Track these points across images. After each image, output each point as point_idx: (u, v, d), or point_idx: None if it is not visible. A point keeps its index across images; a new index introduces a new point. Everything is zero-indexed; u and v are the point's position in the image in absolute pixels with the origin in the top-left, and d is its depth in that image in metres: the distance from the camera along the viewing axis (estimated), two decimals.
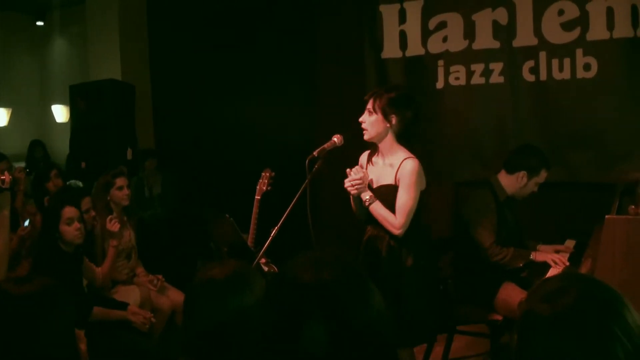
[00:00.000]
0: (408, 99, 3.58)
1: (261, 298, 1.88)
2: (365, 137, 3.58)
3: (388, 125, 3.51)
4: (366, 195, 3.54)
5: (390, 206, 3.50)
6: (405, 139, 3.57)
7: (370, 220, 3.61)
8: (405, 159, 3.49)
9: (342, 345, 1.40)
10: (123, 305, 4.27)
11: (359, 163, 3.74)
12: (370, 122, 3.54)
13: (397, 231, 3.47)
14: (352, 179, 3.55)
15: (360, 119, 3.56)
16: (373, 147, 3.68)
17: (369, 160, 3.70)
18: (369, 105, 3.54)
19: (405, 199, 3.46)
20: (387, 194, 3.52)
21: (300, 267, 1.49)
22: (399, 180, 3.49)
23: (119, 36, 7.33)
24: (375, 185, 3.61)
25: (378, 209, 3.51)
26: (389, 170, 3.56)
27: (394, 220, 3.48)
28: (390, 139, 3.55)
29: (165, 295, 4.87)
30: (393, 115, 3.49)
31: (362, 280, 1.49)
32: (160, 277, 4.94)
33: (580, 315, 1.31)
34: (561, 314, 1.32)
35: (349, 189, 3.56)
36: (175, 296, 4.85)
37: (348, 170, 3.56)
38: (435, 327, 3.68)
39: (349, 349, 1.40)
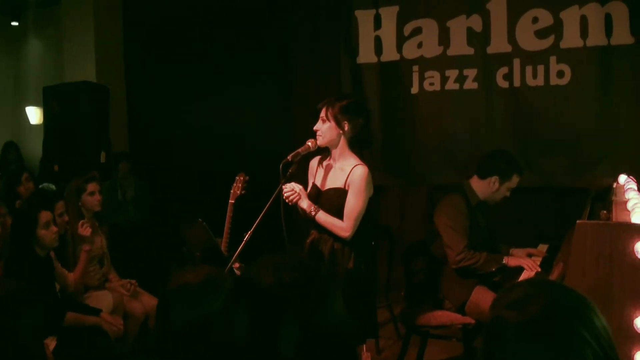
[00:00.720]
0: (359, 107, 3.73)
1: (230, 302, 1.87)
2: (319, 142, 3.66)
3: (341, 132, 3.62)
4: (304, 204, 3.63)
5: (338, 208, 3.58)
6: (356, 145, 3.69)
7: (314, 224, 3.68)
8: (356, 165, 3.60)
9: (307, 347, 1.40)
10: (96, 311, 4.22)
11: (310, 167, 3.86)
12: (324, 129, 3.63)
13: (345, 234, 3.56)
14: (285, 192, 3.63)
15: (315, 127, 3.66)
16: (324, 153, 3.78)
17: (320, 164, 3.81)
18: (322, 114, 3.64)
19: (354, 203, 3.55)
20: (335, 197, 3.61)
21: (261, 270, 1.49)
22: (348, 185, 3.58)
23: (94, 38, 7.27)
24: (324, 188, 3.70)
25: (323, 217, 3.61)
26: (339, 174, 3.65)
27: (342, 224, 3.57)
28: (342, 145, 3.66)
29: (138, 300, 4.82)
30: (345, 122, 3.60)
31: (323, 282, 1.50)
32: (133, 282, 4.88)
33: (548, 322, 1.31)
34: (529, 321, 1.31)
35: (287, 200, 3.65)
36: (148, 301, 4.79)
37: (282, 186, 3.63)
38: (365, 332, 3.70)
39: (314, 350, 1.40)
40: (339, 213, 3.58)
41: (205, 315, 1.92)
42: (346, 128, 3.61)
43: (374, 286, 3.72)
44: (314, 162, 3.87)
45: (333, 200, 3.61)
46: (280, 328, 1.41)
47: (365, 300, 3.61)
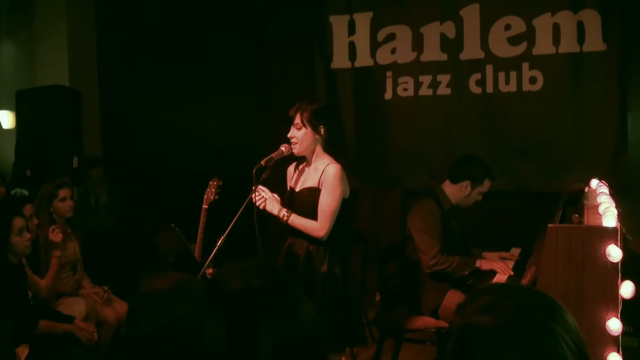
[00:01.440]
0: (331, 109, 3.82)
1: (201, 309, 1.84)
2: (295, 151, 3.67)
3: (318, 136, 3.65)
4: (275, 209, 3.64)
5: (312, 207, 3.59)
6: (330, 147, 3.72)
7: (289, 229, 3.68)
8: (329, 164, 3.62)
9: (280, 354, 1.39)
10: (69, 319, 4.16)
11: (287, 173, 3.88)
12: (300, 136, 3.64)
13: (321, 233, 3.56)
14: (257, 198, 3.64)
15: (290, 135, 3.66)
16: (299, 159, 3.79)
17: (296, 169, 3.83)
18: (297, 120, 3.64)
19: (327, 201, 3.55)
20: (309, 196, 3.62)
21: (229, 275, 1.48)
22: (322, 184, 3.59)
23: (67, 41, 7.18)
24: (298, 189, 3.71)
25: (296, 220, 3.61)
26: (313, 174, 3.67)
27: (315, 224, 3.58)
28: (318, 149, 3.68)
29: (111, 306, 4.76)
30: (321, 127, 3.63)
31: (292, 287, 1.49)
32: (106, 288, 4.82)
33: (523, 322, 1.31)
34: (505, 323, 1.30)
35: (259, 205, 3.66)
36: (121, 307, 4.73)
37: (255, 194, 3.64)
38: (348, 337, 3.68)
39: (286, 357, 1.38)
40: (312, 212, 3.57)
41: (175, 321, 1.89)
42: (322, 132, 3.64)
43: (354, 291, 3.69)
44: (291, 168, 3.88)
45: (306, 200, 3.63)
46: (258, 335, 1.40)
47: (342, 304, 3.59)
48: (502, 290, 1.41)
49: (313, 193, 3.60)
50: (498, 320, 1.30)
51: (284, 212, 3.62)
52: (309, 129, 3.62)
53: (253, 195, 3.62)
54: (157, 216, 5.09)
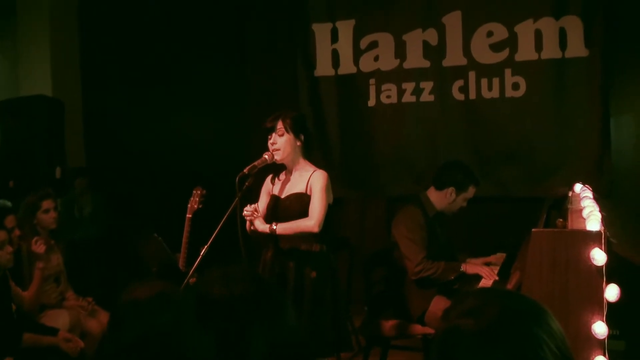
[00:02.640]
0: (305, 118, 3.90)
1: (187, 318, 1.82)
2: (278, 158, 3.71)
3: (299, 143, 3.69)
4: (264, 227, 3.65)
5: (299, 212, 3.62)
6: (309, 156, 3.78)
7: (270, 238, 3.69)
8: (315, 170, 3.69)
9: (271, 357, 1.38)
10: (53, 331, 4.11)
11: (265, 184, 3.88)
12: (283, 142, 3.66)
13: (315, 227, 3.58)
14: (245, 212, 3.66)
15: (271, 142, 3.67)
16: (279, 168, 3.82)
17: (275, 179, 3.86)
18: (279, 126, 3.66)
19: (318, 202, 3.61)
20: (296, 201, 3.65)
21: (211, 282, 1.47)
22: (310, 189, 3.64)
23: (50, 51, 7.12)
24: (284, 195, 3.73)
25: (284, 225, 3.63)
26: (299, 181, 3.70)
27: (308, 221, 3.61)
28: (299, 155, 3.73)
29: (96, 318, 4.71)
30: (301, 134, 3.70)
31: (274, 292, 1.47)
32: (90, 299, 4.77)
33: (506, 327, 1.29)
34: (487, 327, 1.29)
35: (247, 219, 3.69)
36: (106, 319, 4.67)
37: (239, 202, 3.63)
38: (336, 343, 3.68)
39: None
40: (300, 216, 3.60)
41: (157, 331, 1.86)
42: (302, 138, 3.69)
43: (341, 297, 3.70)
44: (269, 179, 3.90)
45: (294, 205, 3.65)
46: (249, 340, 1.40)
47: (331, 310, 3.59)
48: (486, 294, 1.41)
49: (301, 198, 3.63)
50: (480, 324, 1.29)
51: (271, 227, 3.64)
52: (291, 136, 3.66)
53: (245, 210, 3.62)
54: (141, 226, 5.05)
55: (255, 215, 3.67)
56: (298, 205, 3.62)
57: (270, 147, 3.67)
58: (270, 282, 1.55)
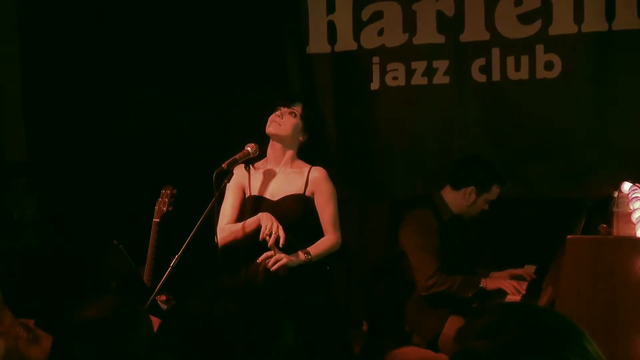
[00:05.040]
0: (325, 123, 4.29)
1: (149, 340, 1.83)
2: (272, 130, 3.85)
3: (301, 139, 3.86)
4: (299, 257, 3.73)
5: (299, 217, 3.75)
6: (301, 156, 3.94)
7: (251, 251, 3.76)
8: (311, 167, 3.84)
9: None
10: None
11: (232, 183, 3.87)
12: (289, 123, 3.79)
13: (339, 244, 3.84)
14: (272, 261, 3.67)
15: (279, 113, 3.75)
16: (248, 162, 3.92)
17: (250, 170, 3.95)
18: (296, 107, 3.82)
19: (331, 209, 3.80)
20: (294, 204, 3.75)
21: (184, 298, 1.47)
22: (310, 191, 3.77)
23: None
24: (277, 198, 3.80)
25: (317, 251, 3.78)
26: (294, 179, 3.81)
27: (331, 241, 3.81)
28: (293, 150, 3.88)
29: (38, 344, 4.67)
30: (310, 134, 3.91)
31: (273, 311, 1.48)
32: (31, 323, 4.77)
33: (528, 349, 1.28)
34: (505, 349, 1.28)
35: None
36: (50, 345, 4.68)
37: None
38: None
39: None
40: (300, 222, 3.62)
41: (112, 357, 1.87)
42: (304, 138, 3.88)
43: (339, 314, 3.76)
44: (240, 170, 3.94)
45: (293, 208, 3.73)
46: None
47: (330, 327, 3.63)
48: (504, 310, 1.40)
49: (299, 200, 3.66)
50: (496, 345, 1.28)
51: (306, 255, 3.74)
52: (301, 125, 3.71)
53: (215, 206, 3.64)
54: (96, 232, 5.05)
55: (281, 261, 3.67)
56: (297, 207, 3.67)
57: (272, 118, 3.72)
58: (263, 293, 1.54)
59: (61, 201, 6.77)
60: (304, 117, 3.83)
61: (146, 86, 6.73)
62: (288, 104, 3.81)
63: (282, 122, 3.77)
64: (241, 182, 3.89)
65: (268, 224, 3.58)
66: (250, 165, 3.90)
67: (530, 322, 1.32)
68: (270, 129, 3.79)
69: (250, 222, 3.75)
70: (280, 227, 3.61)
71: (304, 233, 3.76)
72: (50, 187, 6.84)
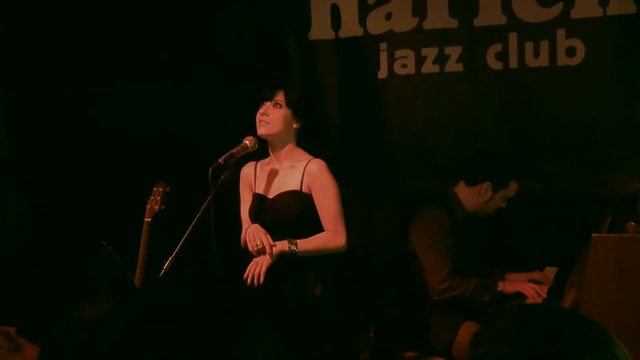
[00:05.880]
0: (314, 101, 4.21)
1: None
2: (263, 131, 3.83)
3: (295, 126, 3.86)
4: (283, 247, 3.72)
5: (294, 216, 3.75)
6: (301, 145, 3.97)
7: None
8: (309, 160, 3.84)
9: None
10: None
11: (243, 176, 4.03)
12: (276, 116, 3.81)
13: (341, 241, 3.78)
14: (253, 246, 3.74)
15: (262, 111, 3.72)
16: (261, 157, 4.00)
17: (258, 169, 3.99)
18: (279, 97, 3.83)
19: (329, 203, 3.77)
20: (290, 201, 3.76)
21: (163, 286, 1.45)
22: (307, 186, 3.76)
23: None
24: (272, 195, 3.83)
25: (305, 245, 3.73)
26: (291, 175, 3.83)
27: (330, 234, 3.75)
28: (291, 142, 3.88)
29: (20, 354, 4.70)
30: (303, 118, 3.90)
31: (240, 306, 1.45)
32: (11, 331, 4.78)
33: (549, 354, 1.26)
34: (524, 355, 1.27)
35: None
36: (33, 355, 4.69)
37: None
38: None
39: None
40: (296, 221, 3.61)
41: None
42: (300, 125, 3.88)
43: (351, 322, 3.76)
44: (248, 169, 4.01)
45: (287, 206, 3.73)
46: None
47: (339, 332, 3.64)
48: (524, 311, 1.39)
49: (295, 197, 3.67)
50: (514, 350, 1.27)
51: (290, 246, 3.71)
52: (290, 113, 3.69)
53: (211, 204, 3.65)
54: (83, 234, 5.05)
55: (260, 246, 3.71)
56: (292, 205, 3.66)
57: (259, 118, 3.72)
58: (233, 286, 1.47)
59: (45, 200, 6.79)
60: (290, 104, 3.83)
61: (135, 76, 6.72)
62: (269, 97, 3.81)
63: (269, 120, 3.78)
64: (250, 181, 3.94)
65: (252, 242, 3.68)
66: (258, 163, 3.92)
67: (553, 325, 1.30)
68: (260, 131, 3.82)
69: (243, 237, 3.84)
70: (268, 236, 3.66)
71: (302, 233, 3.73)
72: (33, 186, 6.85)
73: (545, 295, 4.01)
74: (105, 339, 1.39)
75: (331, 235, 3.70)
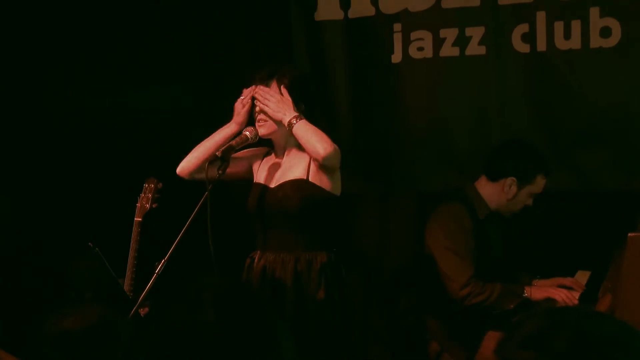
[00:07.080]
0: (309, 79, 4.13)
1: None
2: (263, 131, 3.87)
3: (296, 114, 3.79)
4: (283, 115, 3.77)
5: (296, 207, 3.74)
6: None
7: (267, 244, 3.82)
8: None
9: None
10: None
11: (253, 154, 4.08)
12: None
13: (330, 149, 3.74)
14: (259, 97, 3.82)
15: (259, 108, 3.70)
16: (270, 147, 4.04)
17: (263, 159, 4.07)
18: (272, 87, 3.85)
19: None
20: (292, 190, 3.77)
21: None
22: (314, 172, 3.79)
23: None
24: (275, 184, 3.86)
25: (308, 125, 3.78)
26: (295, 163, 3.85)
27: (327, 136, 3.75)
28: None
29: None
30: (302, 102, 3.88)
31: (267, 320, 1.48)
32: None
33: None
34: None
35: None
36: None
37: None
38: None
39: None
40: (300, 212, 3.63)
41: None
42: (303, 108, 3.84)
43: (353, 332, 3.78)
44: (260, 150, 4.08)
45: (289, 195, 3.75)
46: None
47: (344, 340, 3.65)
48: (555, 316, 1.41)
49: (299, 187, 3.66)
50: (543, 357, 1.29)
51: (293, 115, 3.75)
52: (288, 100, 3.69)
53: (207, 202, 3.65)
54: (67, 234, 5.07)
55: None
56: (297, 196, 3.67)
57: (256, 116, 3.72)
58: (260, 301, 1.55)
59: (26, 199, 6.82)
60: (287, 89, 3.82)
61: (126, 63, 6.75)
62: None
63: (266, 117, 3.82)
64: (255, 160, 3.96)
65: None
66: (266, 157, 3.95)
67: (584, 330, 1.33)
68: (261, 132, 3.85)
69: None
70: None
71: (307, 225, 3.74)
72: (13, 184, 6.88)
73: (576, 302, 4.01)
74: None
75: (329, 139, 3.70)
